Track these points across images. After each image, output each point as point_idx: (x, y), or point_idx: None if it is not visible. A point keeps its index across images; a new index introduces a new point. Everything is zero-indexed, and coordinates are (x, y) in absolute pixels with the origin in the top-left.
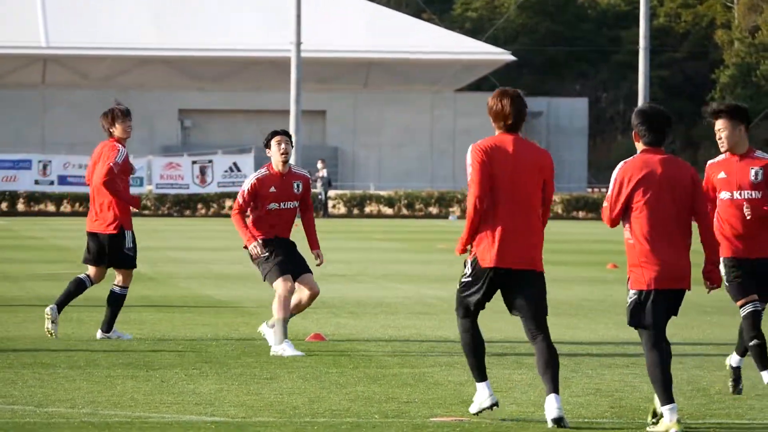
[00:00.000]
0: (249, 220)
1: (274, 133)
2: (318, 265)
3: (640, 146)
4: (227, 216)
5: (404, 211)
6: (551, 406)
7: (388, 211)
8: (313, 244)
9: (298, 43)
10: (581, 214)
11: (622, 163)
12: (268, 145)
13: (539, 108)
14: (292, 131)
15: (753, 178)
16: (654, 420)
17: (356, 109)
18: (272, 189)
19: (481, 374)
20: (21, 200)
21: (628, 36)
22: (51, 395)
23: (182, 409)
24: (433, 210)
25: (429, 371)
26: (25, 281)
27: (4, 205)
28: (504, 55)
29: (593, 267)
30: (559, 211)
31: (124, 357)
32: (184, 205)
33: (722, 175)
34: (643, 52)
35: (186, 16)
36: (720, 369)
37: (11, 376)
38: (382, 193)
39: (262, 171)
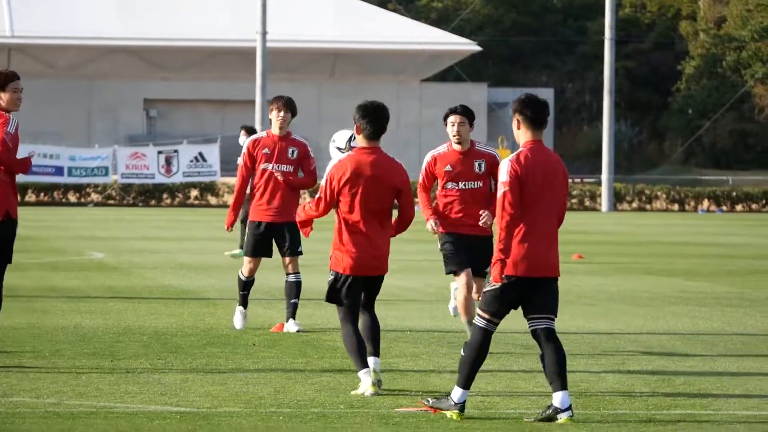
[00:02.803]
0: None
1: (451, 111)
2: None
3: (360, 139)
4: (192, 206)
5: None
6: None
7: None
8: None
9: (264, 33)
10: None
11: (335, 161)
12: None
13: (504, 99)
14: (257, 121)
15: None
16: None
17: (322, 99)
18: (448, 167)
19: None
20: None
21: (594, 27)
22: (16, 385)
23: (147, 399)
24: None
25: (394, 361)
26: None
27: None
28: (469, 46)
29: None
30: None
31: (88, 347)
32: (149, 195)
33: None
34: (608, 42)
35: (151, 5)
36: (684, 360)
37: None
38: None
39: (441, 148)
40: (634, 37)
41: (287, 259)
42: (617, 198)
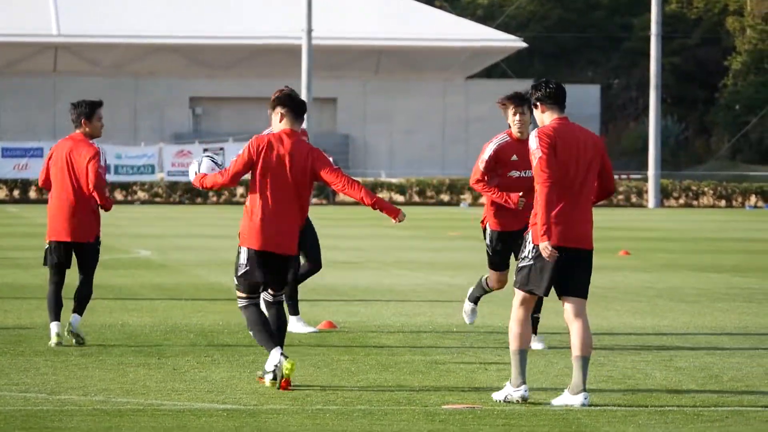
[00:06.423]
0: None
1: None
2: None
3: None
4: (238, 203)
5: (415, 198)
6: None
7: (400, 198)
8: None
9: (309, 31)
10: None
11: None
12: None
13: None
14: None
15: None
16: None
17: (367, 96)
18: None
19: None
20: (33, 188)
21: (640, 22)
22: (63, 383)
23: (194, 396)
24: (445, 197)
25: (440, 358)
26: (37, 269)
27: (15, 193)
28: (515, 42)
29: (605, 254)
30: None
31: (136, 345)
32: (195, 192)
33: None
34: (654, 38)
35: (197, 3)
36: (732, 356)
37: (23, 363)
38: (393, 180)
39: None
40: (681, 32)
41: None
42: (664, 194)
